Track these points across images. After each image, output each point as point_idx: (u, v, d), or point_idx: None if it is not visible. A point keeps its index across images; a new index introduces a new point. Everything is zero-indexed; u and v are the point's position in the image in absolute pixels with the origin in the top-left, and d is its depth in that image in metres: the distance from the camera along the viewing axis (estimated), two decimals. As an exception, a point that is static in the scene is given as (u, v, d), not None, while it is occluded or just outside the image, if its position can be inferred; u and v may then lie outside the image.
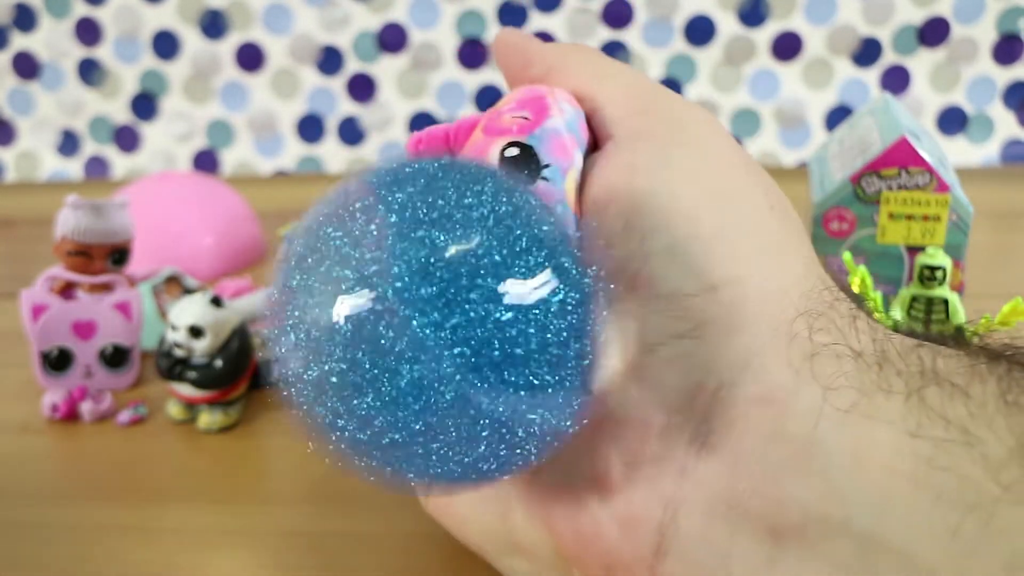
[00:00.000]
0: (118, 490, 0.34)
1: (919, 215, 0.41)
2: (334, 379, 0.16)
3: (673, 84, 0.79)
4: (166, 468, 0.36)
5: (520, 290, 0.16)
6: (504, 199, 0.17)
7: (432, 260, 0.16)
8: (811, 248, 0.22)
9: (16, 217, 0.74)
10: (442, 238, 0.16)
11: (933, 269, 0.38)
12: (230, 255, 0.58)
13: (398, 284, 0.16)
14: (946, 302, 0.38)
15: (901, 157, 0.41)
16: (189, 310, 0.37)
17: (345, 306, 0.16)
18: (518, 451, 0.17)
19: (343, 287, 0.16)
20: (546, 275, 0.17)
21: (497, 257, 0.16)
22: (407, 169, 0.18)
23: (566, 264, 0.17)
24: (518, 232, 0.17)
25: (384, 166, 0.18)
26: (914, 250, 0.42)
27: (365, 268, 0.16)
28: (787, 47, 0.78)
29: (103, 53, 0.82)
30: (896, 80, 0.78)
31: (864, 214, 0.42)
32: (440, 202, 0.17)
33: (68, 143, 0.85)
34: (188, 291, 0.40)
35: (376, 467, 0.18)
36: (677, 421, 0.20)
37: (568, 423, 0.18)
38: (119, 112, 0.84)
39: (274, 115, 0.83)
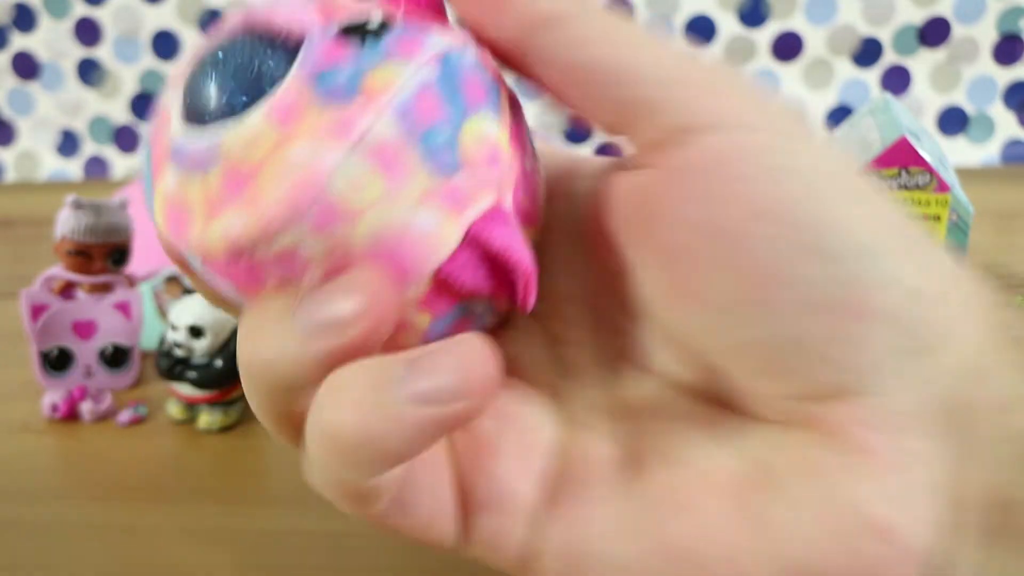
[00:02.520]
0: (118, 490, 0.34)
1: (919, 215, 0.41)
2: None
3: (673, 84, 0.79)
4: (166, 468, 0.36)
5: None
6: None
7: None
8: None
9: (16, 217, 0.74)
10: None
11: (933, 269, 0.38)
12: (230, 255, 0.58)
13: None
14: (946, 302, 0.38)
15: (901, 157, 0.41)
16: (189, 310, 0.37)
17: None
18: None
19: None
20: None
21: None
22: None
23: None
24: None
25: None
26: (914, 250, 0.42)
27: None
28: (787, 47, 0.78)
29: (103, 53, 0.82)
30: (896, 80, 0.78)
31: (864, 214, 0.42)
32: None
33: (68, 143, 0.85)
34: (188, 291, 0.40)
35: None
36: None
37: None
38: (119, 112, 0.84)
39: (274, 115, 0.83)
